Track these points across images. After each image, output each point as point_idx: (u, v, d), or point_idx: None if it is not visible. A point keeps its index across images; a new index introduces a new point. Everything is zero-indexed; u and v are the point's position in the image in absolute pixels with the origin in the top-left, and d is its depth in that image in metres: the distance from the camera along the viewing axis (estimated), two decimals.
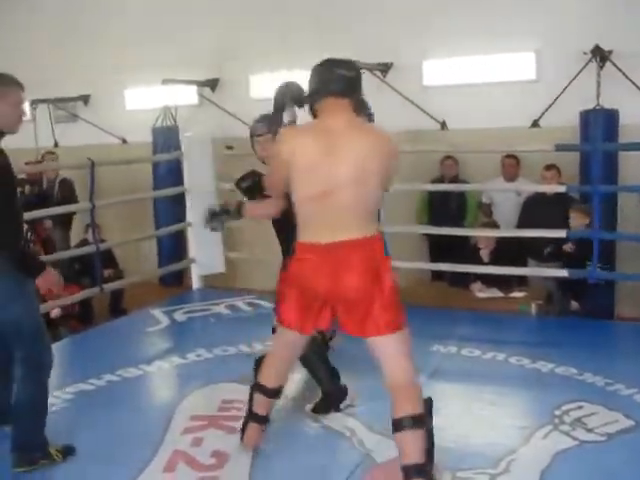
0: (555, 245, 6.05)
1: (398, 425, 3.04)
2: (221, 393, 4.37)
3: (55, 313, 6.07)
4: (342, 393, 4.12)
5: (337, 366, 4.26)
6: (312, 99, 3.18)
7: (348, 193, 2.98)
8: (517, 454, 3.52)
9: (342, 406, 4.08)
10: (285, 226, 3.63)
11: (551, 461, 3.44)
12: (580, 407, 4.04)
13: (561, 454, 3.51)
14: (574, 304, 5.98)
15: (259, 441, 3.61)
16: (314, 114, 3.20)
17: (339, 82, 3.09)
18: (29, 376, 3.42)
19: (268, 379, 3.50)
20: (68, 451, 3.58)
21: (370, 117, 3.42)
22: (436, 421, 3.91)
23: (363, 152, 3.01)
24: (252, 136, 4.10)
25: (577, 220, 5.87)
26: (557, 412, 3.97)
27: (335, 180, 2.97)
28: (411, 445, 3.02)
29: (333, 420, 3.95)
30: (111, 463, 3.55)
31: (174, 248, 7.99)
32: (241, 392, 4.34)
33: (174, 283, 7.92)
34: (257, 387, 3.54)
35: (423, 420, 3.07)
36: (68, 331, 6.19)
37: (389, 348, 3.07)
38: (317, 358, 4.11)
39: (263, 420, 3.59)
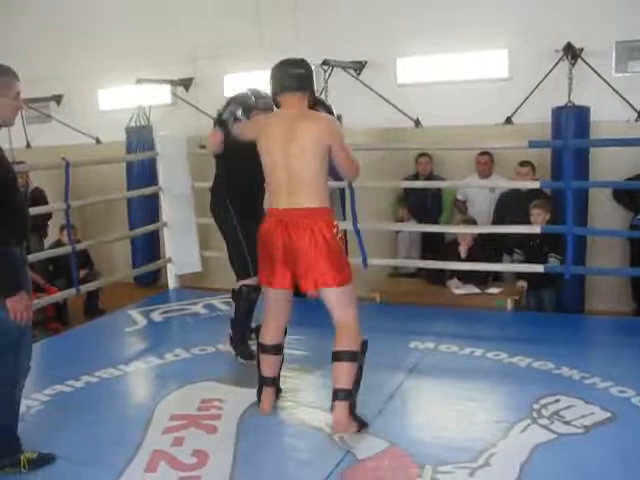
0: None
1: (336, 356, 3.66)
2: (200, 392, 4.35)
3: None
4: (248, 354, 4.77)
5: (315, 364, 4.46)
6: (274, 95, 3.83)
7: (297, 164, 3.64)
8: (496, 448, 3.54)
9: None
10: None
11: (530, 454, 3.47)
12: (558, 400, 4.07)
13: (540, 447, 3.54)
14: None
15: (274, 403, 4.05)
16: (277, 106, 3.88)
17: (292, 79, 3.75)
18: None
19: (264, 336, 4.00)
20: (44, 460, 3.49)
21: (329, 109, 4.01)
22: (415, 418, 4.00)
23: (306, 132, 3.64)
24: (251, 108, 4.49)
25: (540, 217, 5.92)
26: (535, 406, 4.00)
27: (289, 154, 3.65)
28: (344, 374, 3.64)
29: (313, 417, 3.95)
30: (91, 465, 3.52)
31: (148, 248, 7.97)
32: (220, 391, 4.37)
33: (148, 283, 7.90)
34: (258, 347, 4.03)
35: (356, 356, 3.67)
36: (45, 333, 6.13)
37: (331, 298, 3.71)
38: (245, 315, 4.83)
39: (272, 382, 4.02)
